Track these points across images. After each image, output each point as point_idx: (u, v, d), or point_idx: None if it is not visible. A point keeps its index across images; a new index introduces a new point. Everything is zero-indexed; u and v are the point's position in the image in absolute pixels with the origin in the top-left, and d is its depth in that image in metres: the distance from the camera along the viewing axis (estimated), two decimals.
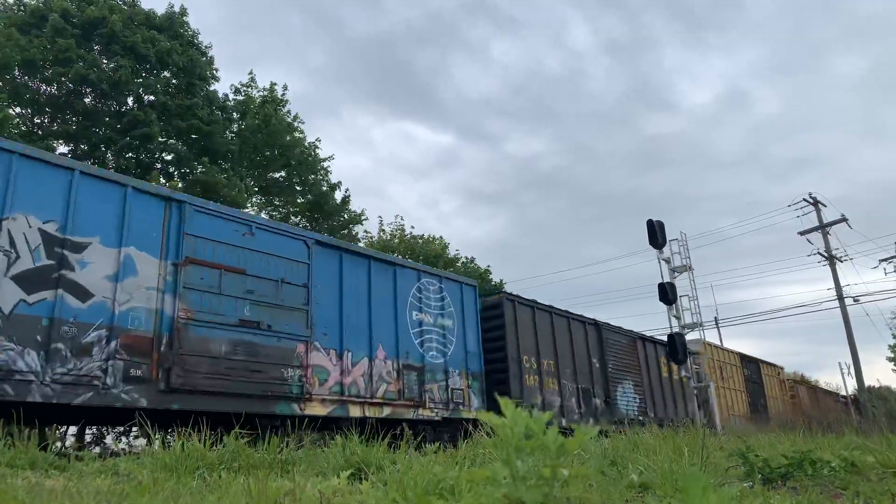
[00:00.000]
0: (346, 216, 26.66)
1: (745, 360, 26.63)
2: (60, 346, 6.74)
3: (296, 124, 25.25)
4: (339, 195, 26.46)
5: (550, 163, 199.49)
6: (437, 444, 6.50)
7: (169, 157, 21.75)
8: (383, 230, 33.85)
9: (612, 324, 17.77)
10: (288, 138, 24.34)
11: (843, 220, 29.83)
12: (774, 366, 29.98)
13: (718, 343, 25.33)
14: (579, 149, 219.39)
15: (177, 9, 21.81)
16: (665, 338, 18.79)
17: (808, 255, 30.59)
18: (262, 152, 24.30)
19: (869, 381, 56.85)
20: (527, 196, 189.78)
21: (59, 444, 9.75)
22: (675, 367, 19.71)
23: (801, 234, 30.60)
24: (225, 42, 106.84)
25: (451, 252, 33.43)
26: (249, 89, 24.90)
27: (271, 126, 23.51)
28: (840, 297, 28.32)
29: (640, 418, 16.02)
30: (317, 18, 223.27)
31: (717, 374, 22.61)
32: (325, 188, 25.74)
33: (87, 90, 19.47)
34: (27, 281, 6.73)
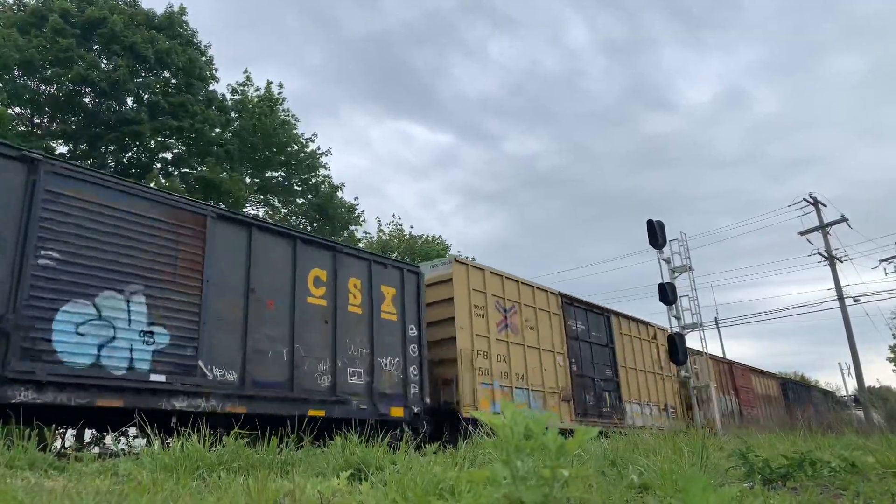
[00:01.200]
0: (348, 220, 26.74)
1: (573, 305, 15.90)
2: None
3: (291, 121, 25.28)
4: (341, 195, 26.51)
5: (549, 162, 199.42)
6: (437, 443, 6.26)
7: (168, 157, 21.78)
8: (382, 230, 33.92)
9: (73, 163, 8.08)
10: (284, 137, 24.38)
11: (844, 220, 29.83)
12: (646, 324, 19.04)
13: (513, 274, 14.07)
14: (577, 148, 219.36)
15: (175, 8, 21.82)
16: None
17: (809, 255, 30.62)
18: (260, 151, 24.33)
19: (869, 381, 56.71)
20: (526, 196, 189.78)
21: (57, 444, 9.70)
22: (372, 295, 10.78)
23: (802, 234, 30.60)
24: (222, 42, 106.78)
25: (454, 253, 33.50)
26: (246, 88, 24.94)
27: (266, 125, 23.55)
28: (840, 297, 28.32)
29: (153, 379, 7.59)
30: (314, 18, 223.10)
31: (486, 319, 12.90)
32: (324, 188, 25.75)
33: (87, 90, 19.47)
34: None
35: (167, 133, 20.83)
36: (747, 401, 24.97)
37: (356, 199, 27.43)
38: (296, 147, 24.94)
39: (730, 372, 24.75)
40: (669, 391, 19.08)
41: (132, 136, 19.46)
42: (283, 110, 24.96)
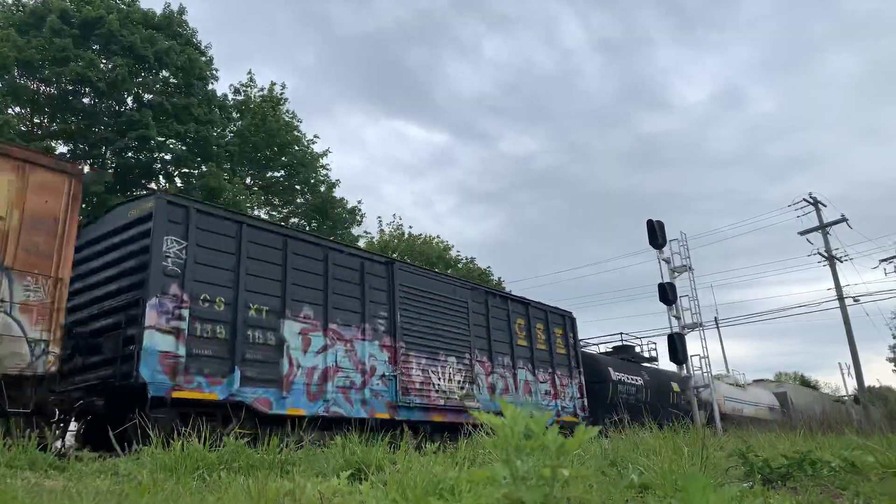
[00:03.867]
0: (352, 221, 26.74)
1: None
2: None
3: (294, 122, 25.29)
4: (336, 193, 26.49)
5: (545, 162, 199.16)
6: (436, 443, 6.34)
7: (168, 158, 21.75)
8: (382, 231, 33.92)
9: None
10: (288, 137, 24.41)
11: (843, 220, 29.79)
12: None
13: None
14: (573, 148, 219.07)
15: (175, 7, 21.79)
16: None
17: (808, 255, 30.55)
18: (262, 151, 24.34)
19: (869, 381, 56.72)
20: (522, 195, 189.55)
21: (58, 444, 9.69)
22: None
23: (801, 234, 30.56)
24: (215, 41, 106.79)
25: (461, 259, 33.64)
26: (248, 89, 24.95)
27: (269, 125, 23.56)
28: (840, 297, 28.29)
29: None
30: (306, 17, 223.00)
31: None
32: (323, 190, 25.75)
33: (86, 90, 19.45)
34: None
35: (168, 134, 20.81)
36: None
37: (363, 211, 27.33)
38: (297, 148, 24.96)
39: None
40: None
41: (140, 140, 19.41)
42: (286, 111, 25.01)
